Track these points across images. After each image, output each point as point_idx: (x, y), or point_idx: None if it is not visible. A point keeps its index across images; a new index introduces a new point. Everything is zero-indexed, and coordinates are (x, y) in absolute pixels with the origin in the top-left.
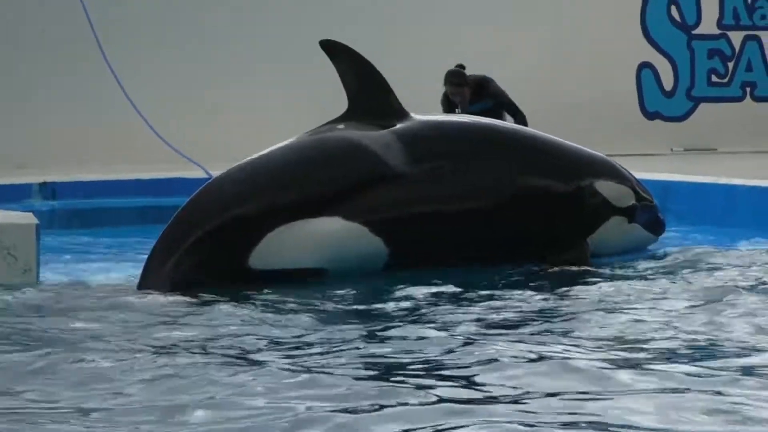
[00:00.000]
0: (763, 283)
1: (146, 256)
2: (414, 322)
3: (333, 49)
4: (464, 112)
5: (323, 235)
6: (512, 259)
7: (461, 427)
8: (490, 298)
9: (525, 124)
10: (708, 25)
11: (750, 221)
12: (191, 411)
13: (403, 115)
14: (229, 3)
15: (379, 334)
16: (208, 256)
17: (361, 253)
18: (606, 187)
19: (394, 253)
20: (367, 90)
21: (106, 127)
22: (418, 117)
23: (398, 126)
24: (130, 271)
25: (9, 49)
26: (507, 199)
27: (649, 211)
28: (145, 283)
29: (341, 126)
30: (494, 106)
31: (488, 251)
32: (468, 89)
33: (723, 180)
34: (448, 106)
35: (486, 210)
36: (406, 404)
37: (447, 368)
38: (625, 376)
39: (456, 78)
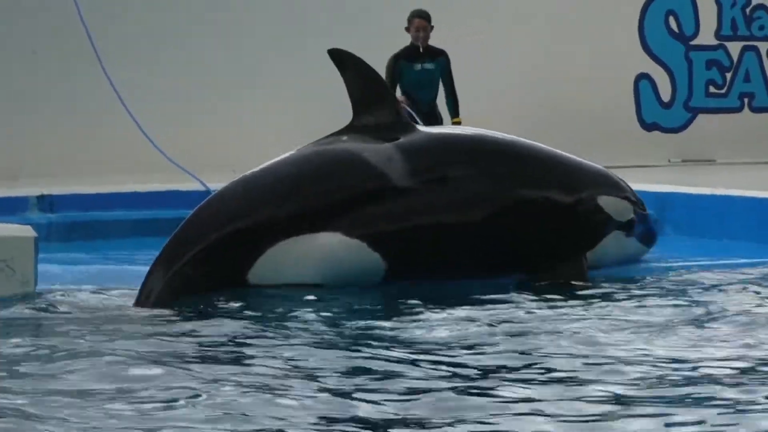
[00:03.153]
0: (758, 303)
1: (145, 269)
2: (408, 335)
3: (341, 59)
4: (426, 51)
5: (323, 251)
6: (510, 274)
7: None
8: (488, 312)
9: (456, 109)
10: (706, 36)
11: (748, 233)
12: (185, 422)
13: (407, 127)
14: (227, 14)
15: (374, 346)
16: (208, 271)
17: (360, 269)
18: (607, 202)
19: (393, 268)
20: (373, 101)
21: (103, 139)
22: (422, 129)
23: (401, 139)
24: (128, 284)
25: (4, 61)
26: (508, 214)
27: (645, 223)
28: (144, 296)
29: (344, 138)
30: (442, 70)
31: (488, 266)
32: (430, 31)
33: (721, 191)
34: (393, 70)
35: (486, 224)
36: (400, 411)
37: (439, 381)
38: (620, 393)
39: (426, 14)
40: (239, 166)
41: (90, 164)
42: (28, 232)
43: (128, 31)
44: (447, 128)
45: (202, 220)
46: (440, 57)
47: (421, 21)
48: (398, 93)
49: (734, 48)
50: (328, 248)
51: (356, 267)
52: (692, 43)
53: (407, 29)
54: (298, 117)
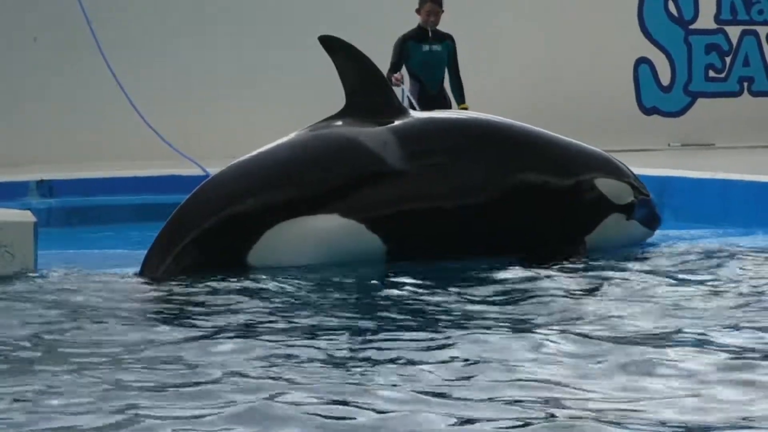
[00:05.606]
0: (756, 285)
1: (145, 253)
2: (407, 315)
3: (332, 45)
4: (434, 33)
5: (321, 233)
6: (509, 255)
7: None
8: (485, 293)
9: (462, 95)
10: (705, 20)
11: (747, 217)
12: (186, 403)
13: (400, 111)
14: (229, 4)
15: (375, 326)
16: (206, 254)
17: (359, 251)
18: (605, 185)
19: (392, 250)
20: (365, 86)
21: (103, 124)
22: (415, 114)
23: (396, 123)
24: (128, 268)
25: (4, 47)
26: (505, 196)
27: (647, 207)
28: (143, 280)
29: (339, 122)
30: (448, 54)
31: (486, 248)
32: (440, 15)
33: (720, 175)
34: (401, 50)
35: (484, 206)
36: (400, 397)
37: (439, 360)
38: (618, 369)
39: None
40: (239, 155)
41: (90, 150)
42: (28, 217)
43: (130, 20)
44: (442, 112)
45: (200, 203)
46: (447, 40)
47: (433, 6)
48: (405, 73)
49: (733, 32)
50: (328, 230)
51: (356, 249)
52: (691, 27)
53: (418, 11)
54: (298, 108)
